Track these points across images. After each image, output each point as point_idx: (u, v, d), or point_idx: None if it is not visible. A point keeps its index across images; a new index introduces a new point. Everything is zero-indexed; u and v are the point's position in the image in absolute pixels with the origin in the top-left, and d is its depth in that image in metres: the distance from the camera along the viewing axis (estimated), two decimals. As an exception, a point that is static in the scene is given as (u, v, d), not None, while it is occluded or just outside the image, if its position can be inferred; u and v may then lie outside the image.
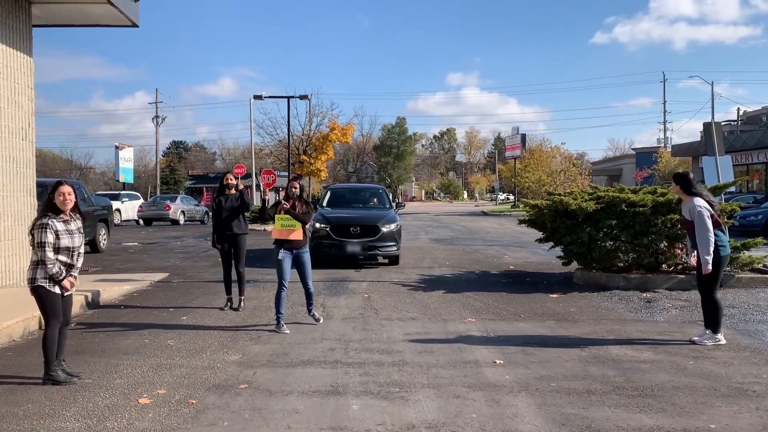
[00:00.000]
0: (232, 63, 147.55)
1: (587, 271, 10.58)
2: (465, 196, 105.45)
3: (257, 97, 33.47)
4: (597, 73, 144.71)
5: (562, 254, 11.20)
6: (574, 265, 11.09)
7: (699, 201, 6.45)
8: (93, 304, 8.71)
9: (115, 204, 28.66)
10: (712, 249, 6.34)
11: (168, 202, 32.48)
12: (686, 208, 6.59)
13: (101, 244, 16.63)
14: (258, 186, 43.69)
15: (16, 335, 6.86)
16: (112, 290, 9.50)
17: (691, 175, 6.75)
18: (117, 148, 45.58)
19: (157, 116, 54.64)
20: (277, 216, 7.34)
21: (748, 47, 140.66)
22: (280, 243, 7.36)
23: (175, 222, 31.33)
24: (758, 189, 34.21)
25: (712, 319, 6.51)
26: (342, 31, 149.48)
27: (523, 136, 55.78)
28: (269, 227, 26.49)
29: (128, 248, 18.15)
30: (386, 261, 13.42)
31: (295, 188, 7.48)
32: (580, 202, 10.22)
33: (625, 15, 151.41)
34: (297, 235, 7.32)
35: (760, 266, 10.16)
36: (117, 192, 36.88)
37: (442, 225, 28.96)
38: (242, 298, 8.53)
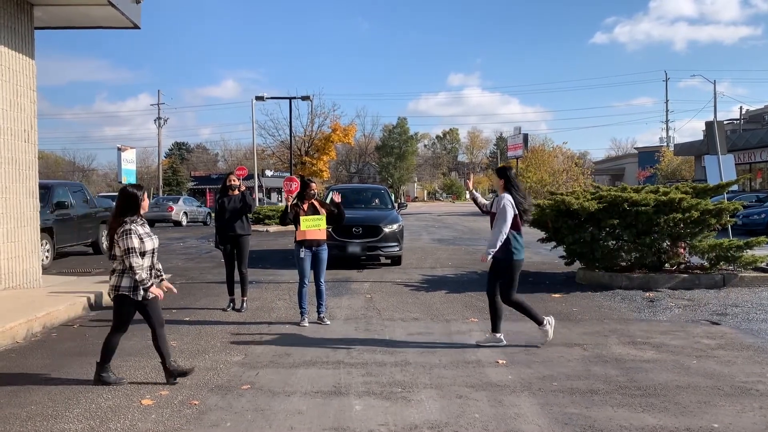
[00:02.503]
0: (234, 65, 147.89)
1: (590, 270, 10.57)
2: (467, 196, 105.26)
3: (259, 98, 33.53)
4: (598, 72, 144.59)
5: (564, 254, 11.19)
6: (577, 264, 11.07)
7: (509, 197, 6.34)
8: (96, 305, 8.72)
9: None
10: (499, 244, 6.21)
11: (170, 203, 32.54)
12: (497, 202, 6.48)
13: (104, 246, 16.64)
14: (260, 187, 43.71)
15: (20, 337, 6.87)
16: (114, 291, 9.49)
17: (513, 173, 6.63)
18: (119, 149, 45.50)
19: (159, 118, 54.68)
20: (303, 218, 7.52)
21: (749, 47, 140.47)
22: (301, 242, 7.48)
23: (178, 223, 31.37)
24: (761, 188, 34.15)
25: (528, 316, 6.44)
26: (343, 34, 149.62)
27: (525, 136, 55.66)
28: (271, 228, 26.49)
29: (131, 250, 18.15)
30: (388, 261, 13.42)
31: (312, 190, 7.75)
32: (583, 201, 10.21)
33: (625, 15, 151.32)
34: (322, 233, 7.61)
35: (763, 265, 10.15)
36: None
37: (444, 225, 28.95)
38: (245, 299, 8.54)
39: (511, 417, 4.40)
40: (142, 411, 4.57)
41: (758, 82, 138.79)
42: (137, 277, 4.93)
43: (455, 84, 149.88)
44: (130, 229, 4.94)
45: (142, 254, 4.99)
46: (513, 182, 6.50)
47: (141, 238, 4.99)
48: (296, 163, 38.53)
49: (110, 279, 5.12)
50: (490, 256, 6.25)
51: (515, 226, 6.32)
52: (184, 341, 6.73)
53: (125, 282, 5.01)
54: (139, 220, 5.08)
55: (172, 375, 5.17)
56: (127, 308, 5.09)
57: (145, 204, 5.15)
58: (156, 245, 5.19)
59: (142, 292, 5.05)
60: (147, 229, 5.14)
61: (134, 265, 4.91)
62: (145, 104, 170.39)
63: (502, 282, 6.39)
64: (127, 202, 5.06)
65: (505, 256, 6.29)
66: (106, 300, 9.04)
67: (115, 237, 4.98)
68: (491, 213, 6.50)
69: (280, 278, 11.40)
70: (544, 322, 6.42)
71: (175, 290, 5.08)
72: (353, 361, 5.90)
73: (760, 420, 4.32)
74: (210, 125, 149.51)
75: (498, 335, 6.48)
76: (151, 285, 5.06)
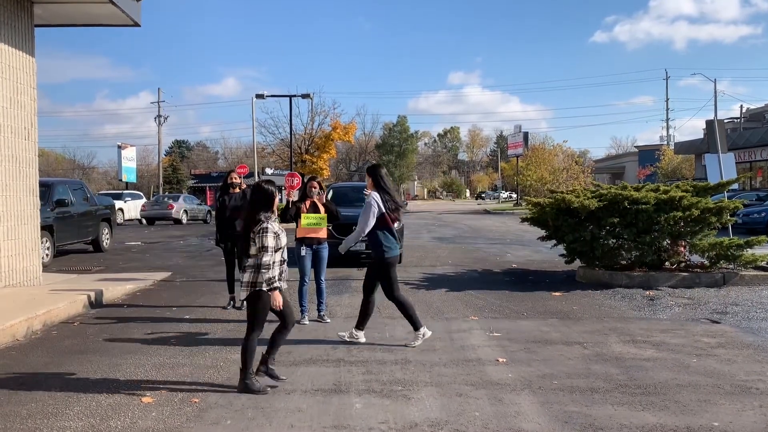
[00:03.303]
0: (235, 63, 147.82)
1: (590, 269, 10.57)
2: (468, 194, 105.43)
3: (259, 96, 33.51)
4: (598, 71, 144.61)
5: (564, 252, 11.18)
6: (577, 263, 11.07)
7: (376, 196, 6.30)
8: (96, 303, 8.73)
9: (118, 203, 28.72)
10: (359, 238, 6.31)
11: (171, 201, 32.53)
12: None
13: (104, 244, 16.66)
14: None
15: (20, 335, 6.87)
16: (115, 289, 9.51)
17: (383, 171, 6.59)
18: (120, 147, 45.64)
19: (159, 116, 54.69)
20: (303, 215, 7.52)
21: (749, 46, 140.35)
22: (302, 240, 7.48)
23: (178, 221, 31.38)
24: (761, 186, 34.13)
25: (407, 317, 6.39)
26: (344, 32, 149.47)
27: (526, 134, 55.72)
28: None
29: (131, 248, 18.18)
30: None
31: (314, 188, 7.69)
32: (583, 200, 10.20)
33: (625, 14, 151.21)
34: (323, 232, 7.63)
35: (763, 264, 10.14)
36: (120, 191, 36.97)
37: (444, 223, 28.95)
38: (245, 297, 8.53)
39: (511, 415, 4.40)
40: (143, 409, 4.57)
41: (758, 81, 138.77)
42: (267, 275, 4.85)
43: (455, 82, 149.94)
44: (267, 227, 4.88)
45: (276, 251, 4.93)
46: (382, 181, 6.46)
47: (277, 236, 4.93)
48: (296, 161, 38.52)
49: (243, 276, 4.99)
50: (343, 250, 6.45)
51: (385, 225, 6.29)
52: (184, 339, 6.72)
53: (262, 278, 4.89)
54: (272, 216, 5.02)
55: (266, 372, 5.04)
56: (264, 304, 4.94)
57: (277, 200, 5.13)
58: (286, 242, 5.11)
59: (282, 284, 4.99)
60: (278, 225, 5.07)
61: (267, 262, 4.84)
62: (146, 102, 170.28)
63: (381, 280, 6.38)
64: (262, 198, 5.00)
65: (377, 255, 6.30)
66: (107, 298, 9.06)
67: (251, 234, 4.91)
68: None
69: (281, 276, 11.39)
70: (421, 331, 6.36)
71: (280, 306, 4.97)
72: (353, 359, 5.90)
73: (760, 419, 4.32)
74: (210, 123, 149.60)
75: (359, 333, 6.46)
76: (279, 287, 4.93)
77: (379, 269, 6.37)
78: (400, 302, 6.39)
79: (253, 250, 4.93)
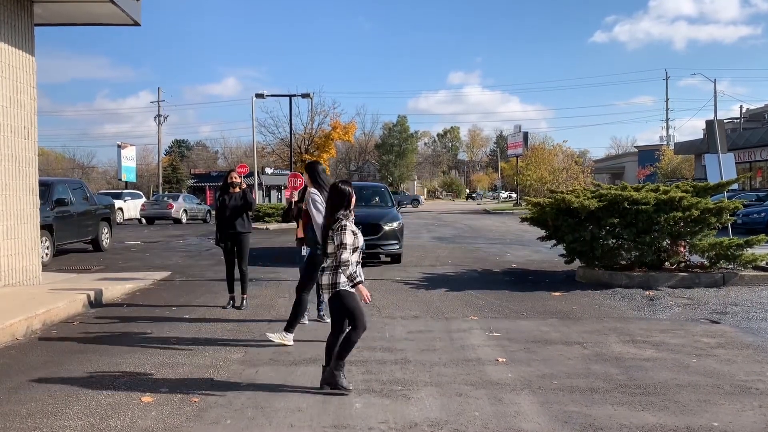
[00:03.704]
0: (235, 63, 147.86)
1: (590, 269, 10.57)
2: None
3: (259, 96, 33.51)
4: (598, 71, 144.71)
5: (564, 252, 11.18)
6: (577, 263, 11.07)
7: (318, 193, 6.31)
8: (96, 302, 8.72)
9: (118, 203, 28.71)
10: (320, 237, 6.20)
11: (170, 200, 32.53)
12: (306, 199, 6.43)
13: (104, 243, 16.65)
14: (260, 185, 43.67)
15: (19, 334, 6.87)
16: (114, 289, 9.51)
17: (321, 167, 6.56)
18: (119, 147, 45.63)
19: (159, 115, 54.67)
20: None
21: (749, 46, 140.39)
22: (302, 240, 7.49)
23: (178, 221, 31.37)
24: (761, 186, 34.14)
25: (291, 315, 6.40)
26: (344, 32, 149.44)
27: (525, 134, 55.72)
28: (272, 226, 26.49)
29: (131, 247, 18.18)
30: (388, 259, 13.42)
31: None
32: (583, 200, 10.20)
33: (624, 14, 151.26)
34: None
35: (763, 264, 10.14)
36: (119, 191, 36.96)
37: (443, 223, 28.95)
38: (245, 296, 8.53)
39: (511, 415, 4.40)
40: (142, 408, 4.57)
41: (758, 81, 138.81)
42: (347, 272, 4.85)
43: (455, 82, 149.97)
44: (345, 225, 4.91)
45: (354, 250, 4.94)
46: (320, 177, 6.47)
47: (354, 234, 4.95)
48: (296, 160, 38.49)
49: (322, 279, 4.99)
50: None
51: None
52: (184, 338, 6.72)
53: (342, 278, 4.90)
54: (350, 216, 5.05)
55: (333, 381, 4.97)
56: (351, 300, 4.93)
57: (353, 200, 5.14)
58: (362, 243, 5.12)
59: (360, 279, 4.95)
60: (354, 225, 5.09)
61: (345, 259, 4.85)
62: (146, 101, 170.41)
63: (304, 274, 6.41)
64: (339, 198, 5.03)
65: (312, 251, 6.30)
66: (107, 297, 9.06)
67: (330, 233, 4.94)
68: (305, 211, 6.48)
69: (280, 276, 11.40)
70: (287, 334, 6.35)
71: (368, 299, 4.97)
72: (353, 358, 5.88)
73: (759, 419, 4.32)
74: (210, 123, 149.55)
75: (290, 335, 6.42)
76: (362, 281, 4.90)
77: (307, 266, 6.34)
78: (300, 300, 6.41)
79: (330, 248, 4.95)
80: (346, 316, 4.97)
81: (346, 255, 4.83)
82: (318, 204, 6.30)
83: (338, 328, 5.01)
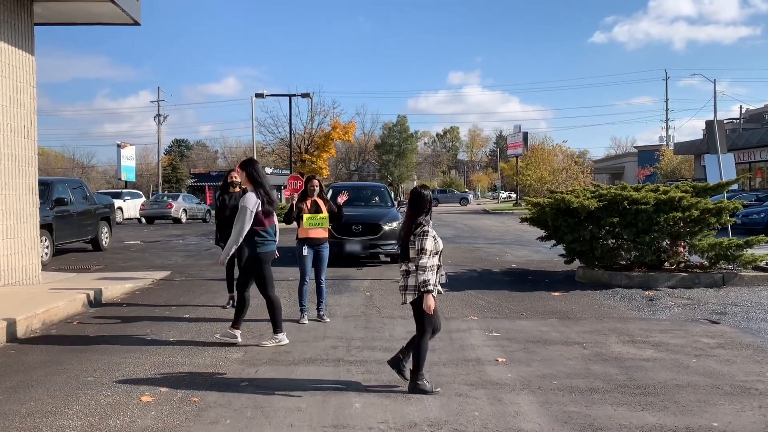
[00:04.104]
0: (235, 63, 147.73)
1: (589, 269, 10.57)
2: (470, 197, 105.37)
3: (259, 95, 33.51)
4: (598, 71, 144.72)
5: (564, 252, 11.19)
6: (577, 263, 11.08)
7: (251, 197, 6.23)
8: (95, 302, 8.72)
9: (117, 202, 28.70)
10: (235, 248, 6.25)
11: (170, 200, 32.52)
12: (240, 198, 6.38)
13: (103, 243, 16.64)
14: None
15: (19, 333, 6.86)
16: (114, 288, 9.50)
17: (257, 165, 6.50)
18: (119, 146, 45.62)
19: (159, 114, 54.65)
20: (306, 216, 7.53)
21: (748, 47, 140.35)
22: (304, 240, 7.47)
23: (177, 220, 31.37)
24: (761, 187, 34.14)
25: (271, 318, 6.39)
26: (344, 32, 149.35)
27: (525, 134, 55.70)
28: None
29: (130, 246, 18.17)
30: (388, 259, 13.41)
31: (315, 186, 7.71)
32: (582, 200, 10.21)
33: (624, 14, 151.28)
34: (324, 232, 7.63)
35: (762, 264, 10.15)
36: (119, 190, 36.93)
37: (443, 223, 28.94)
38: (244, 296, 8.52)
39: (510, 415, 4.40)
40: (142, 408, 4.56)
41: (758, 82, 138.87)
42: (423, 277, 4.83)
43: (455, 82, 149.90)
44: (427, 230, 4.93)
45: (435, 254, 4.95)
46: (257, 175, 6.39)
47: (435, 239, 4.96)
48: (296, 160, 38.52)
49: (408, 280, 4.98)
50: (224, 259, 6.30)
51: (258, 222, 6.24)
52: (184, 338, 6.72)
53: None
54: (430, 220, 5.07)
55: (416, 387, 4.95)
56: (434, 303, 4.94)
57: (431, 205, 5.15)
58: (442, 248, 5.13)
59: (439, 288, 4.98)
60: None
61: (425, 264, 4.85)
62: (146, 101, 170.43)
63: (254, 276, 6.37)
64: (420, 203, 5.06)
65: (250, 249, 6.26)
66: (106, 297, 9.06)
67: (411, 238, 4.95)
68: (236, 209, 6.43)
69: (280, 275, 11.37)
70: (278, 336, 6.36)
71: (430, 311, 4.90)
72: (353, 358, 5.90)
73: (759, 419, 4.32)
74: (210, 122, 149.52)
75: (236, 332, 6.42)
76: (432, 290, 4.88)
77: (251, 264, 6.32)
78: (270, 300, 6.38)
79: (412, 253, 4.96)
80: (426, 320, 4.96)
81: (425, 260, 4.85)
82: (249, 211, 6.15)
83: (422, 331, 5.00)
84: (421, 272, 4.84)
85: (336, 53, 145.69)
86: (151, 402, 4.69)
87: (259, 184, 6.33)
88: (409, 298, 4.96)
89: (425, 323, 4.95)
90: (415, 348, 4.96)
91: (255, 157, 35.56)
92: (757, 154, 36.12)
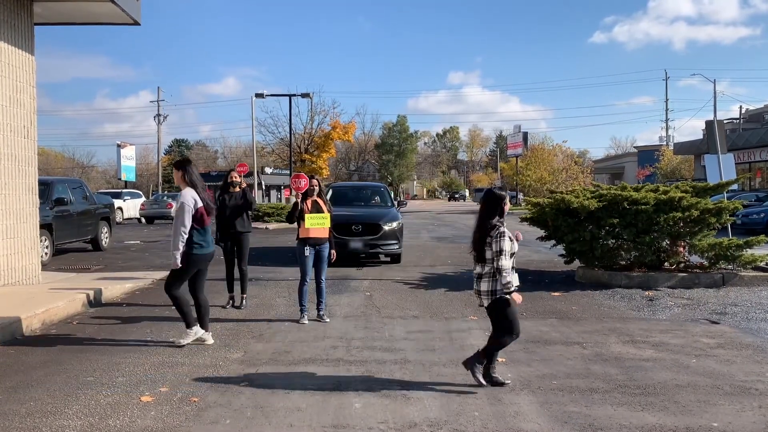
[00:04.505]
0: (235, 63, 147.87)
1: (589, 269, 10.57)
2: (467, 194, 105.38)
3: (259, 95, 33.51)
4: (598, 71, 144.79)
5: (564, 252, 11.19)
6: (576, 263, 11.08)
7: (186, 194, 6.20)
8: (95, 302, 8.72)
9: (117, 202, 28.69)
10: (181, 245, 6.13)
11: (170, 200, 32.50)
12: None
13: (103, 243, 16.64)
14: (260, 184, 43.67)
15: (18, 333, 6.86)
16: (114, 288, 9.50)
17: (192, 166, 6.44)
18: (119, 146, 45.62)
19: (159, 114, 54.65)
20: (308, 216, 7.50)
21: (748, 47, 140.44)
22: (305, 240, 7.47)
23: (177, 220, 31.33)
24: (761, 187, 34.14)
25: (181, 315, 6.35)
26: (344, 32, 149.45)
27: (525, 134, 55.69)
28: (271, 225, 26.48)
29: (130, 246, 18.17)
30: (388, 259, 13.42)
31: (314, 186, 7.71)
32: (582, 200, 10.21)
33: (624, 14, 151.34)
34: (325, 232, 7.62)
35: (762, 264, 10.15)
36: (119, 190, 36.92)
37: (443, 223, 28.95)
38: (244, 296, 8.53)
39: (510, 415, 4.40)
40: (142, 408, 4.56)
41: (757, 82, 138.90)
42: (506, 279, 4.84)
43: (455, 82, 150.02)
44: (504, 231, 4.92)
45: (512, 255, 4.96)
46: (192, 175, 6.33)
47: (511, 240, 4.96)
48: (296, 160, 38.52)
49: (480, 284, 5.01)
50: (177, 260, 6.13)
51: (198, 221, 6.19)
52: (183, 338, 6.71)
53: (499, 286, 4.92)
54: (504, 221, 5.06)
55: (491, 381, 5.02)
56: (511, 307, 4.96)
57: (507, 207, 5.12)
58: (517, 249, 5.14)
59: (514, 288, 4.97)
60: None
61: (504, 266, 4.85)
62: (146, 101, 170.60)
63: (174, 270, 6.27)
64: (494, 204, 5.04)
65: (187, 249, 6.20)
66: (106, 297, 9.05)
67: (488, 240, 4.93)
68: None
69: (280, 275, 11.40)
70: (192, 329, 6.33)
71: (520, 302, 4.97)
72: (352, 358, 5.90)
73: (759, 419, 4.32)
74: (210, 122, 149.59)
75: (203, 332, 6.40)
76: (515, 289, 4.91)
77: (186, 263, 6.24)
78: (175, 297, 6.31)
79: (488, 255, 4.95)
80: (506, 322, 4.98)
81: (504, 261, 4.85)
82: (188, 208, 6.11)
83: (500, 334, 5.02)
84: (505, 274, 4.84)
85: (336, 53, 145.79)
86: (150, 402, 4.68)
87: (193, 185, 6.28)
88: (485, 302, 4.99)
89: (504, 324, 4.97)
90: (492, 338, 5.01)
91: (255, 157, 35.54)
92: (757, 154, 36.12)
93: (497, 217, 4.98)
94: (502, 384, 5.01)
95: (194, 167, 6.50)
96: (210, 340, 6.42)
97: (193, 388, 5.01)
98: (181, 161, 6.50)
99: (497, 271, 4.87)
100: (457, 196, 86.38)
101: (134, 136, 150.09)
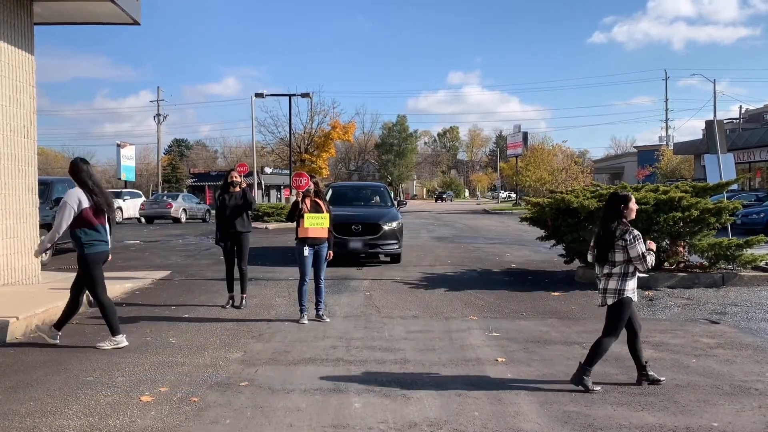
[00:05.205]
0: (235, 63, 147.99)
1: (589, 269, 10.55)
2: (467, 194, 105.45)
3: (259, 95, 33.49)
4: (597, 71, 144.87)
5: (563, 252, 11.18)
6: (576, 263, 11.07)
7: (72, 192, 6.17)
8: (95, 302, 8.70)
9: (117, 202, 28.69)
10: (54, 240, 6.17)
11: (170, 200, 32.51)
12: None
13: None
14: (260, 184, 43.70)
15: (18, 333, 6.86)
16: (113, 288, 9.48)
17: (85, 165, 6.37)
18: (119, 146, 45.62)
19: (158, 114, 54.65)
20: (307, 215, 7.51)
21: (747, 47, 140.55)
22: (304, 240, 7.47)
23: (177, 220, 31.35)
24: (760, 187, 34.14)
25: (106, 321, 6.32)
26: (344, 32, 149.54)
27: (525, 134, 55.73)
28: (271, 225, 26.47)
29: (130, 246, 18.16)
30: (388, 259, 13.41)
31: (312, 186, 7.72)
32: (582, 200, 10.20)
33: (623, 14, 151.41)
34: (324, 232, 7.63)
35: (762, 264, 10.15)
36: (119, 190, 36.88)
37: (443, 223, 28.94)
38: (244, 296, 8.53)
39: (510, 415, 4.40)
40: (141, 408, 4.56)
41: (757, 82, 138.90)
42: (650, 264, 4.97)
43: (455, 82, 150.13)
44: (638, 234, 5.00)
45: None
46: (83, 175, 6.28)
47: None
48: (296, 160, 38.51)
49: (608, 283, 5.07)
50: (45, 254, 6.13)
51: (84, 222, 6.13)
52: (183, 338, 6.72)
53: (629, 285, 5.00)
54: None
55: (648, 379, 5.08)
56: (629, 310, 5.05)
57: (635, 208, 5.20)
58: None
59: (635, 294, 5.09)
60: None
61: (652, 262, 4.98)
62: (146, 101, 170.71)
63: (85, 278, 6.27)
64: (617, 207, 5.12)
65: (79, 251, 6.20)
66: (105, 296, 9.04)
67: (620, 242, 4.99)
68: None
69: (280, 275, 11.39)
70: (117, 337, 6.30)
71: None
72: (352, 358, 5.90)
73: (759, 419, 4.32)
74: (210, 122, 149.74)
75: (118, 337, 6.33)
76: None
77: (81, 266, 6.23)
78: (101, 304, 6.29)
79: (619, 257, 5.02)
80: (619, 324, 5.05)
81: (650, 259, 4.97)
82: (69, 208, 6.07)
83: (610, 332, 5.07)
84: (633, 277, 5.00)
85: (336, 53, 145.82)
86: (150, 402, 4.68)
87: (82, 183, 6.24)
88: (609, 301, 5.06)
89: (617, 324, 5.04)
90: (597, 343, 5.05)
91: (255, 157, 35.53)
92: (757, 154, 36.12)
93: (622, 219, 5.07)
94: (656, 382, 5.05)
95: (88, 166, 6.44)
96: (124, 342, 6.33)
97: (193, 387, 5.01)
98: (73, 160, 6.45)
99: (629, 274, 4.99)
100: (444, 196, 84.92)
101: (134, 136, 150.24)
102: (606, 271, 5.09)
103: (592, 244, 5.29)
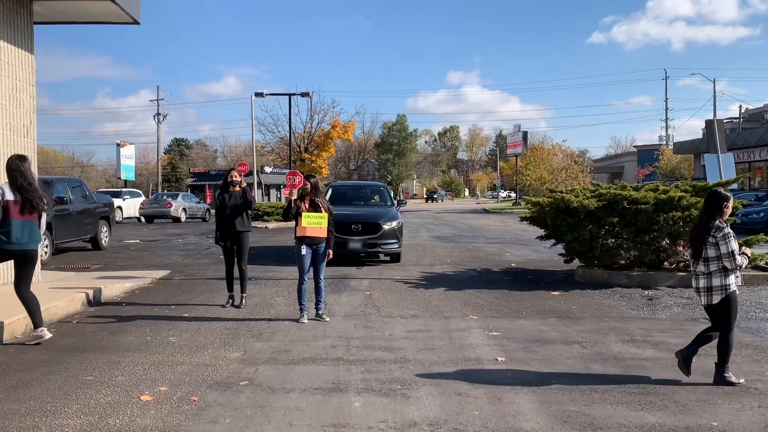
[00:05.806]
0: (236, 62, 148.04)
1: (589, 268, 10.57)
2: (467, 193, 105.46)
3: (258, 95, 33.44)
4: (597, 71, 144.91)
5: (563, 252, 11.18)
6: (576, 262, 11.07)
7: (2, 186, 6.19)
8: (95, 301, 8.71)
9: (117, 201, 28.67)
10: None
11: (169, 199, 32.51)
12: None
13: (103, 242, 16.63)
14: (260, 183, 43.70)
15: (18, 332, 6.86)
16: (113, 287, 9.50)
17: (17, 164, 6.31)
18: (119, 145, 45.63)
19: (158, 114, 54.63)
20: (305, 215, 7.51)
21: (747, 47, 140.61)
22: (302, 239, 7.47)
23: (177, 219, 31.37)
24: (760, 186, 34.16)
25: (30, 316, 6.41)
26: (344, 32, 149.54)
27: (525, 134, 55.74)
28: (271, 225, 26.47)
29: (130, 246, 18.16)
30: (387, 258, 13.41)
31: (307, 186, 7.72)
32: (582, 199, 10.20)
33: (623, 14, 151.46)
34: (322, 231, 7.61)
35: (762, 264, 10.15)
36: (119, 189, 36.93)
37: (443, 222, 28.94)
38: (244, 295, 8.53)
39: (510, 414, 4.40)
40: (141, 407, 4.56)
41: (757, 82, 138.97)
42: (741, 262, 5.05)
43: (455, 82, 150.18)
44: (730, 232, 5.08)
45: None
46: (13, 173, 6.27)
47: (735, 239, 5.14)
48: (296, 159, 38.51)
49: (706, 281, 5.13)
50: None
51: (5, 215, 6.12)
52: (183, 337, 6.72)
53: (731, 279, 5.08)
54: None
55: (723, 381, 5.11)
56: (737, 301, 5.14)
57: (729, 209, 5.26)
58: None
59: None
60: None
61: (741, 263, 5.06)
62: (146, 100, 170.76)
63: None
64: (719, 205, 5.17)
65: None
66: (105, 296, 9.05)
67: (713, 240, 5.06)
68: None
69: (279, 275, 11.39)
70: (39, 330, 6.38)
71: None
72: (352, 358, 5.90)
73: (759, 419, 4.32)
74: (210, 122, 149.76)
75: (39, 330, 6.40)
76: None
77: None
78: (24, 300, 6.39)
79: (712, 253, 5.09)
80: (732, 316, 5.13)
81: (740, 259, 5.05)
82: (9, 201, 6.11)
83: (728, 327, 5.16)
84: (733, 271, 5.05)
85: (336, 52, 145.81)
86: (150, 401, 4.68)
87: (11, 179, 6.25)
88: (717, 299, 5.12)
89: (730, 318, 5.13)
90: (722, 341, 5.13)
91: (254, 156, 35.51)
92: (757, 153, 36.13)
93: (719, 218, 5.13)
94: (734, 383, 5.07)
95: (21, 163, 6.34)
96: (47, 335, 6.42)
97: (193, 387, 5.01)
98: (8, 159, 6.43)
99: (732, 269, 5.04)
100: (435, 196, 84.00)
101: (134, 136, 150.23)
102: (703, 269, 5.16)
103: (687, 240, 5.39)
